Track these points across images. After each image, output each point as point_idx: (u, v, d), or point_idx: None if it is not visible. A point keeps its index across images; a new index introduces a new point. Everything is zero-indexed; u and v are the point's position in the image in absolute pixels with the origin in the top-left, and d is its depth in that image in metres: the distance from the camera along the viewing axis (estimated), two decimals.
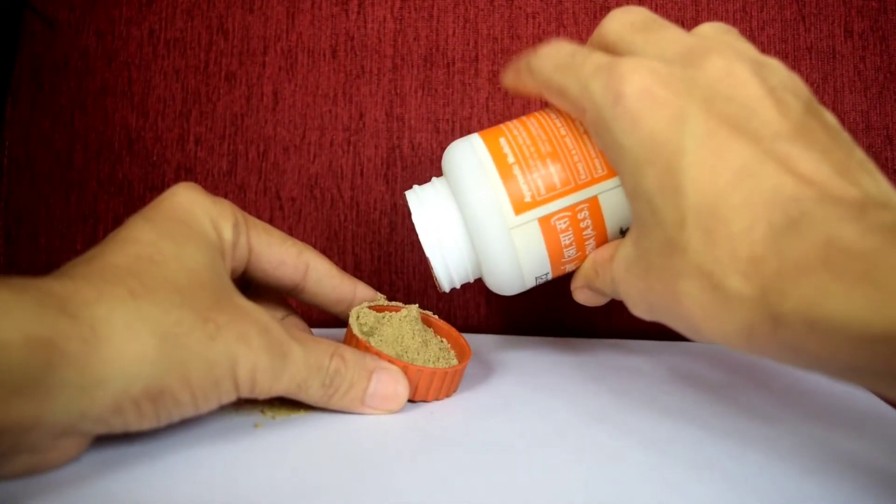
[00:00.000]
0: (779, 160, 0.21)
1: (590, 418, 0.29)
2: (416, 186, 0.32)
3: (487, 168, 0.29)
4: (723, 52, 0.24)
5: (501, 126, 0.31)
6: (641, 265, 0.25)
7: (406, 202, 0.33)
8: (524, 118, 0.31)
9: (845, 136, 0.23)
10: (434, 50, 0.44)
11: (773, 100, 0.23)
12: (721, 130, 0.22)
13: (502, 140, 0.30)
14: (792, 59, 0.43)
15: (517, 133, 0.30)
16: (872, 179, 0.22)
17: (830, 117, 0.24)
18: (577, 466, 0.25)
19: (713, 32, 0.26)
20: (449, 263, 0.31)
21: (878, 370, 0.18)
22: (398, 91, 0.44)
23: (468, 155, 0.30)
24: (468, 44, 0.44)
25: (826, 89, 0.43)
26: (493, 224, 0.29)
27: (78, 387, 0.20)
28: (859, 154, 0.23)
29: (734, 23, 0.43)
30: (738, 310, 0.21)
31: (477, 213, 0.29)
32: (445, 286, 0.32)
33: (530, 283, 0.31)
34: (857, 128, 0.42)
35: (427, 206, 0.31)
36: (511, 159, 0.29)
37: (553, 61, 0.27)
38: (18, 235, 0.46)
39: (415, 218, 0.31)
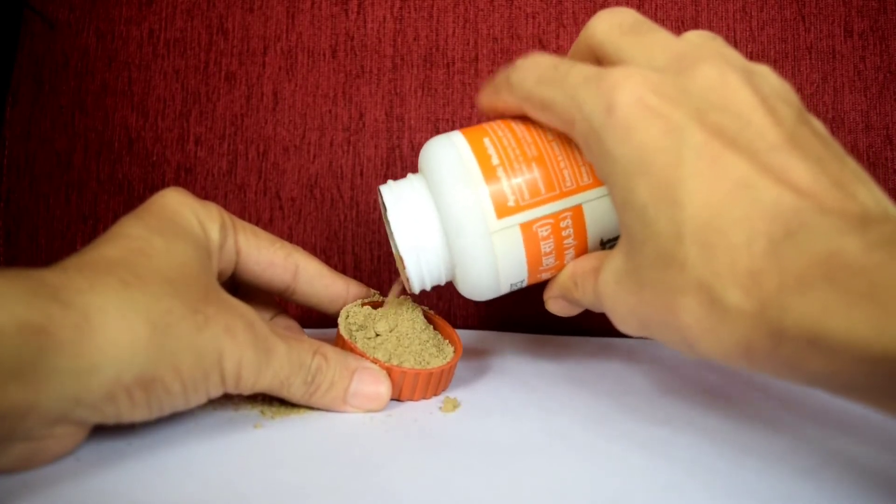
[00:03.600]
0: (775, 172, 0.21)
1: (588, 420, 0.29)
2: (390, 181, 0.31)
3: (470, 169, 0.28)
4: (713, 59, 0.23)
5: (484, 125, 0.30)
6: (633, 279, 0.24)
7: (379, 197, 0.31)
8: (509, 120, 0.30)
9: (836, 145, 0.23)
10: (434, 50, 0.44)
11: (766, 109, 0.22)
12: (716, 142, 0.22)
13: (486, 140, 0.29)
14: (792, 59, 0.43)
15: (502, 134, 0.29)
16: (868, 190, 0.22)
17: (819, 125, 0.24)
18: (576, 468, 0.25)
19: (699, 39, 0.25)
20: (423, 265, 0.30)
21: (880, 389, 0.18)
22: (398, 91, 0.44)
23: (450, 153, 0.29)
24: (468, 44, 0.44)
25: (826, 89, 0.43)
26: (473, 227, 0.28)
27: (71, 373, 0.21)
28: (851, 163, 0.22)
29: (734, 23, 0.43)
30: (736, 325, 0.21)
31: (457, 214, 0.28)
32: (416, 288, 0.31)
33: (504, 290, 0.30)
34: (857, 128, 0.42)
35: (403, 204, 0.30)
36: (495, 161, 0.28)
37: (535, 74, 0.27)
38: (18, 235, 0.46)
39: (390, 214, 0.29)
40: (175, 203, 0.27)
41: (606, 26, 0.26)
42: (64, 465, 0.23)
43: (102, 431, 0.24)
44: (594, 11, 0.43)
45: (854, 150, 0.42)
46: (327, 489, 0.23)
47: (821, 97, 0.43)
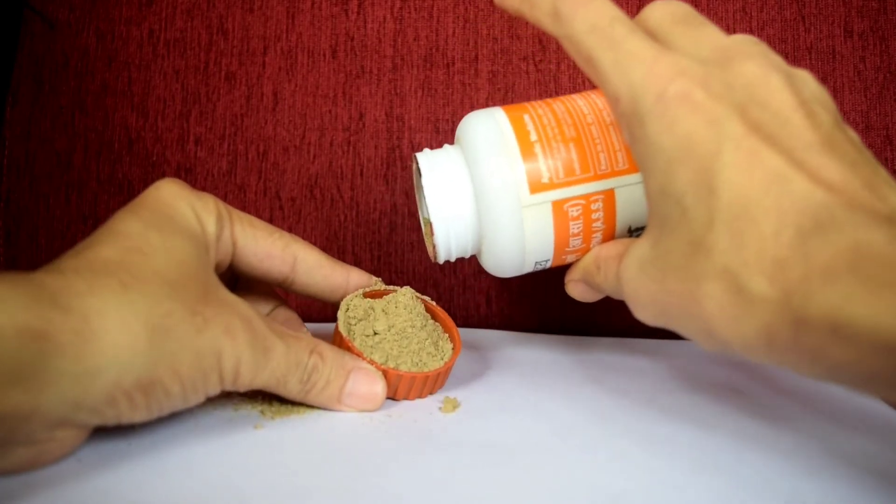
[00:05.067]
0: (809, 169, 0.21)
1: (590, 418, 0.29)
2: (426, 150, 0.31)
3: (509, 142, 0.29)
4: (757, 59, 0.24)
5: (525, 104, 0.31)
6: (658, 266, 0.24)
7: (413, 164, 0.32)
8: (549, 100, 0.31)
9: (868, 152, 0.23)
10: (434, 50, 0.44)
11: (805, 111, 0.23)
12: (755, 136, 0.22)
13: (526, 117, 0.29)
14: (792, 59, 0.43)
15: (542, 112, 0.30)
16: None
17: (853, 133, 0.24)
18: (578, 466, 0.25)
19: (745, 40, 0.26)
20: (451, 234, 0.30)
21: None
22: (398, 91, 0.44)
23: (490, 126, 0.29)
24: (468, 44, 0.44)
25: (826, 89, 0.43)
26: (506, 199, 0.29)
27: (72, 377, 0.21)
28: (883, 171, 0.23)
29: (734, 23, 0.43)
30: (760, 313, 0.21)
31: (492, 185, 0.29)
32: (442, 257, 0.31)
33: (528, 268, 0.31)
34: (857, 128, 0.42)
35: (438, 172, 0.30)
36: (534, 137, 0.29)
37: (589, 20, 0.25)
38: (18, 235, 0.46)
39: (424, 181, 0.30)
40: (171, 196, 0.27)
41: (660, 13, 0.26)
42: (65, 465, 0.23)
43: (103, 432, 0.24)
44: None
45: None
46: (327, 489, 0.23)
47: None
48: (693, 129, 0.23)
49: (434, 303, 0.34)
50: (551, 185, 0.29)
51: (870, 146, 0.42)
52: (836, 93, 0.42)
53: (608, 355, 0.38)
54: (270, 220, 0.44)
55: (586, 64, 0.26)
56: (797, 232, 0.21)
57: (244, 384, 0.26)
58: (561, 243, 0.30)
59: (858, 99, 0.42)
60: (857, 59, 0.42)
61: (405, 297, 0.32)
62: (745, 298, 0.21)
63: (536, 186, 0.28)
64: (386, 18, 0.45)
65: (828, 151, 0.22)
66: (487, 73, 0.44)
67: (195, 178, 0.45)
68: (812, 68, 0.43)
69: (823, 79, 0.43)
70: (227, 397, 0.29)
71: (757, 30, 0.43)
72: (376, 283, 0.33)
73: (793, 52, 0.43)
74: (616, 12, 0.25)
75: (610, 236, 0.30)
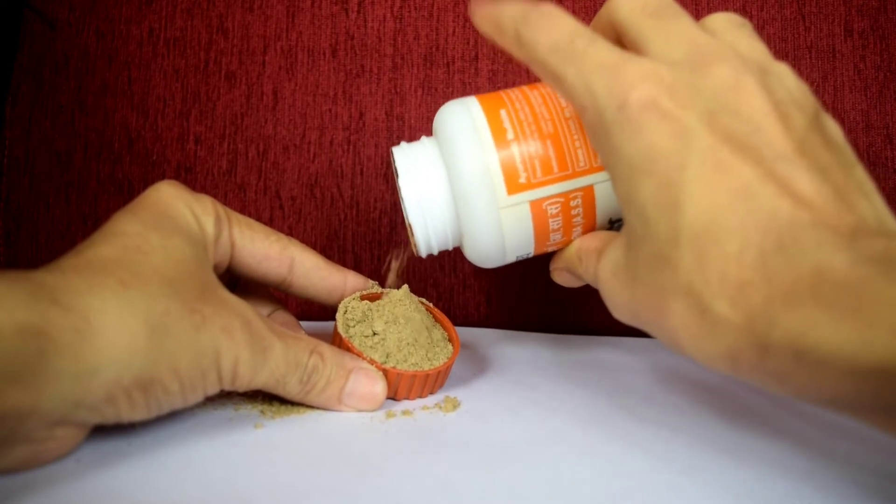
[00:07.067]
0: (779, 181, 0.21)
1: (589, 419, 0.29)
2: (403, 143, 0.31)
3: (485, 142, 0.28)
4: (730, 60, 0.23)
5: (502, 94, 0.30)
6: (629, 274, 0.24)
7: (391, 159, 0.32)
8: (526, 89, 0.30)
9: (847, 152, 0.23)
10: (434, 49, 0.44)
11: (778, 115, 0.22)
12: (724, 147, 0.22)
13: (503, 112, 0.29)
14: (792, 59, 0.43)
15: (519, 106, 0.29)
16: (869, 203, 0.21)
17: (834, 129, 0.24)
18: (576, 468, 0.25)
19: (724, 27, 0.25)
20: (430, 229, 0.30)
21: (865, 403, 0.18)
22: (398, 90, 0.44)
23: (465, 123, 0.29)
24: (468, 43, 0.44)
25: (826, 88, 0.43)
26: (483, 200, 0.28)
27: (71, 375, 0.21)
28: (859, 173, 0.22)
29: None
30: (723, 335, 0.21)
31: (468, 186, 0.28)
32: (423, 251, 0.31)
33: (510, 260, 0.31)
34: (857, 127, 0.42)
35: (415, 167, 0.30)
36: (510, 135, 0.28)
37: (550, 40, 0.25)
38: (18, 235, 0.46)
39: (401, 177, 0.30)
40: (169, 197, 0.27)
41: (630, 5, 0.26)
42: (64, 465, 0.23)
43: (102, 431, 0.24)
44: (594, 11, 0.43)
45: (854, 149, 0.42)
46: (328, 489, 0.23)
47: (821, 96, 0.43)
48: (657, 140, 0.22)
49: (430, 304, 0.34)
50: (528, 185, 0.28)
51: (870, 146, 0.42)
52: (836, 92, 0.42)
53: (608, 355, 0.38)
54: (270, 220, 0.45)
55: (554, 83, 0.25)
56: (759, 253, 0.20)
57: (243, 384, 0.26)
58: (541, 238, 0.30)
59: (858, 98, 0.42)
60: (857, 58, 0.42)
61: (403, 298, 0.32)
62: (708, 320, 0.21)
63: (514, 187, 0.28)
64: (386, 17, 0.45)
65: (799, 159, 0.21)
66: (487, 73, 0.44)
67: (195, 178, 0.45)
68: (812, 67, 0.43)
69: (824, 78, 0.43)
70: (228, 397, 0.29)
71: (757, 29, 0.43)
72: (373, 287, 0.33)
73: (793, 50, 0.43)
74: (575, 26, 0.25)
75: (591, 228, 0.30)
